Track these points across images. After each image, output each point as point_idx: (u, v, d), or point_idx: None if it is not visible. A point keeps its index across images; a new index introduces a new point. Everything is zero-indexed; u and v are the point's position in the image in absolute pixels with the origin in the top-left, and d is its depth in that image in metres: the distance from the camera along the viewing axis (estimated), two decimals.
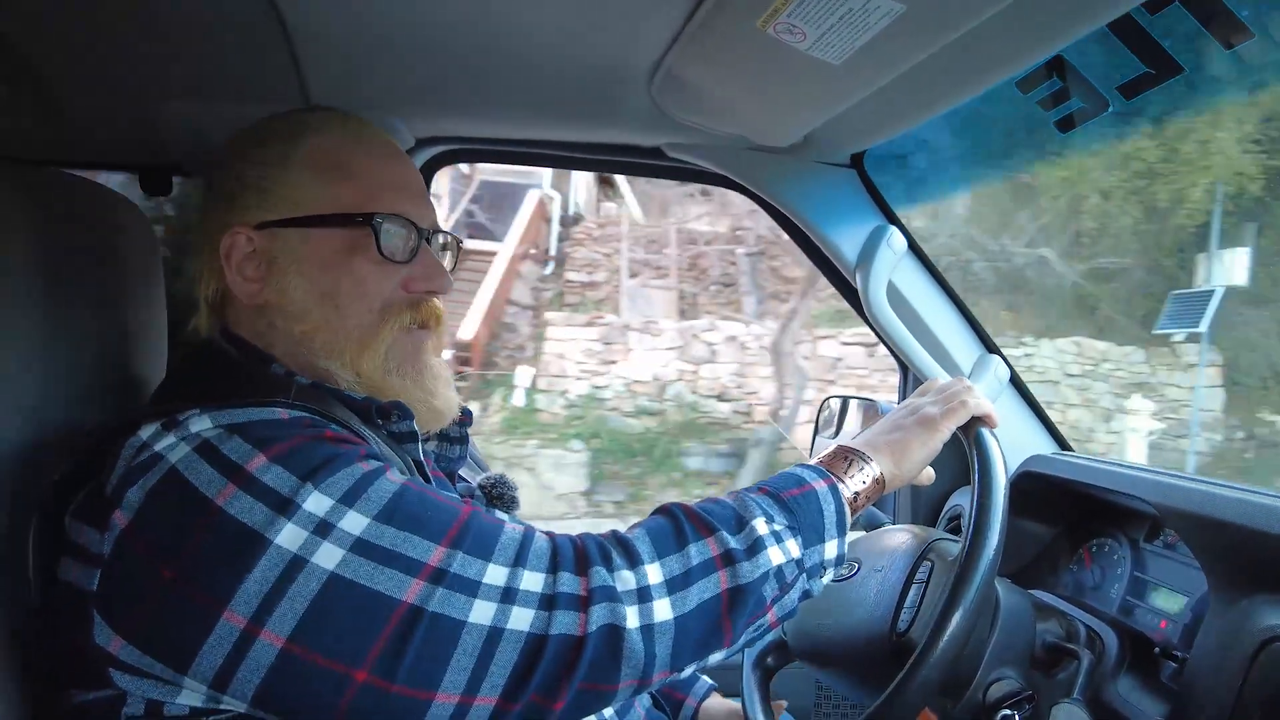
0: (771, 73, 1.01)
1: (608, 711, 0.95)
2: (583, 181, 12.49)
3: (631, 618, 0.67)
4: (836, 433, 1.56)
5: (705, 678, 1.19)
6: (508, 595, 0.66)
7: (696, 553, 0.72)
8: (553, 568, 0.69)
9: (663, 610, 0.69)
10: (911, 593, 0.94)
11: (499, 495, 1.01)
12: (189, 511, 0.65)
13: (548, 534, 0.73)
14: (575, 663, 0.66)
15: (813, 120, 1.19)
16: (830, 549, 0.79)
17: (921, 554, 0.97)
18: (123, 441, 0.70)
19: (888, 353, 1.44)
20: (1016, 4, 0.76)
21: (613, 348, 9.34)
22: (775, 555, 0.74)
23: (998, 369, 1.33)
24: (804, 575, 0.77)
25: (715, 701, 1.17)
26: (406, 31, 1.00)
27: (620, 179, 11.84)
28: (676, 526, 0.74)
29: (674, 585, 0.70)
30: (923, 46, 0.86)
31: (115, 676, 0.67)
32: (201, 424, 0.69)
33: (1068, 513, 1.25)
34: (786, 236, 1.47)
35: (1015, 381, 1.38)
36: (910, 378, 1.50)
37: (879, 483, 0.84)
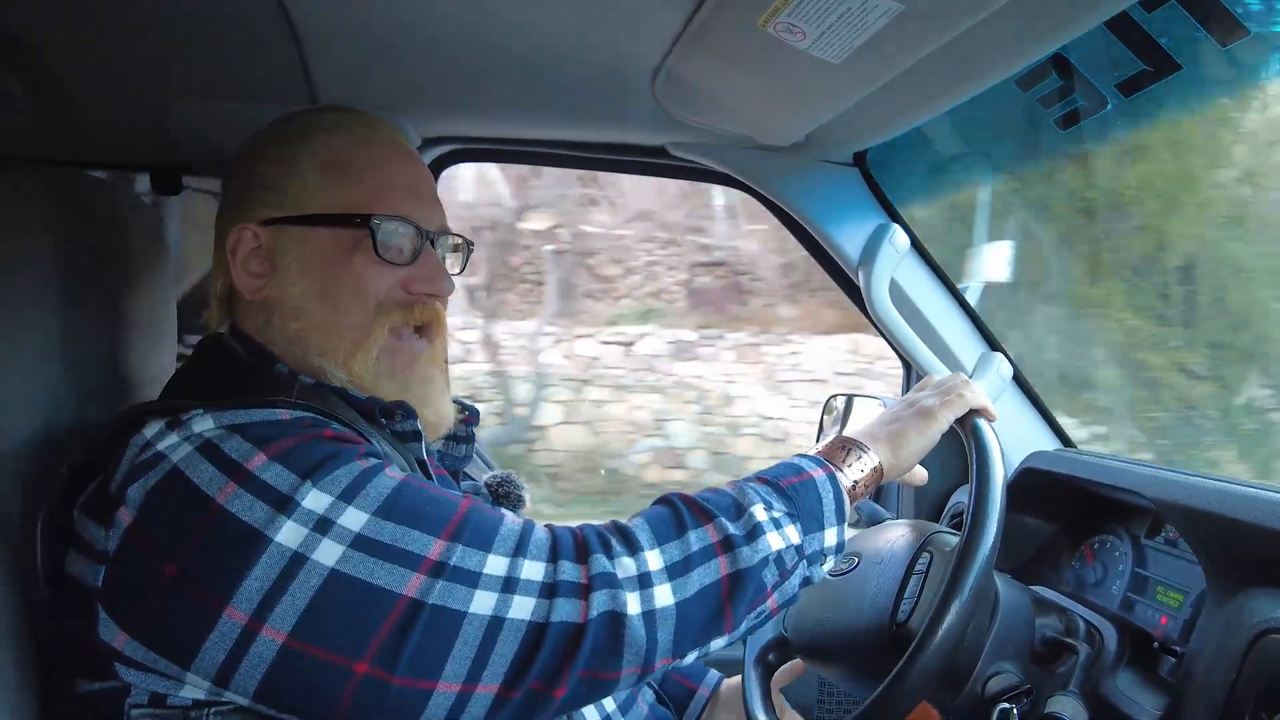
0: (773, 72, 1.01)
1: (611, 707, 0.96)
2: None
3: (633, 604, 0.68)
4: (841, 430, 1.56)
5: (713, 670, 1.19)
6: (508, 585, 0.67)
7: (696, 539, 0.73)
8: (553, 557, 0.69)
9: (664, 596, 0.69)
10: (911, 583, 0.94)
11: (505, 494, 1.01)
12: (190, 510, 0.66)
13: (547, 526, 0.74)
14: (576, 650, 0.66)
15: (814, 119, 1.19)
16: (830, 536, 0.79)
17: (921, 546, 0.97)
18: (129, 438, 0.71)
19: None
20: (1013, 3, 0.76)
21: None
22: (774, 541, 0.74)
23: (1000, 367, 1.33)
24: (804, 561, 0.77)
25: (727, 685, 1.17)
26: (412, 32, 1.01)
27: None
28: (676, 514, 0.75)
29: (674, 571, 0.71)
30: (921, 45, 0.87)
31: (120, 670, 0.68)
32: (204, 424, 0.70)
33: (1070, 509, 1.25)
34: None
35: (1019, 379, 1.38)
36: (913, 376, 1.51)
37: (877, 472, 0.85)
